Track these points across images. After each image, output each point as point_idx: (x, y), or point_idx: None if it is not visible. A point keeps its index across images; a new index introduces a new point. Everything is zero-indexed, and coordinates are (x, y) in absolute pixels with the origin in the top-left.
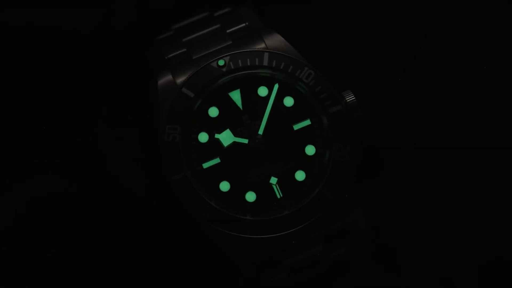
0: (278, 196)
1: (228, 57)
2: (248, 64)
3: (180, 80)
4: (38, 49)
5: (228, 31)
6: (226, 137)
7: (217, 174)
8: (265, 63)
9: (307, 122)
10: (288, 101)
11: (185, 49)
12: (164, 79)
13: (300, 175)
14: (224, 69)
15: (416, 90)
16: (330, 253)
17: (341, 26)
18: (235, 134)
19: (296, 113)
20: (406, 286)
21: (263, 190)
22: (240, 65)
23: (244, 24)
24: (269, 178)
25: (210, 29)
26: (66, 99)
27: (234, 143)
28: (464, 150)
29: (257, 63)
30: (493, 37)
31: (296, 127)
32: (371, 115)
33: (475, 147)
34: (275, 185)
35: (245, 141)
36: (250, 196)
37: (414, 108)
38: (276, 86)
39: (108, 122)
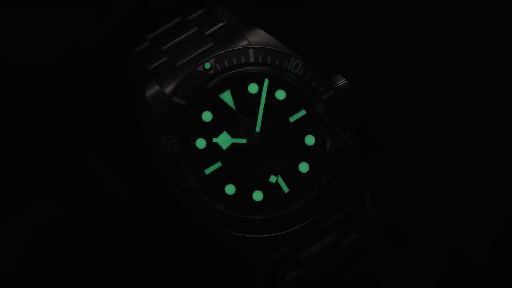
0: (285, 191)
1: (213, 59)
2: (235, 63)
3: (168, 89)
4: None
5: (207, 33)
6: (224, 140)
7: (221, 178)
8: (251, 59)
9: (302, 113)
10: (280, 94)
11: (166, 58)
12: (152, 91)
13: (303, 167)
14: (211, 72)
15: (416, 90)
16: (343, 240)
17: (335, 25)
18: (232, 135)
19: (290, 105)
20: (419, 260)
21: (269, 188)
22: (227, 65)
23: (221, 24)
24: (275, 174)
25: (188, 33)
26: (53, 114)
27: (233, 144)
28: (464, 150)
29: (243, 61)
30: (493, 37)
31: (292, 119)
32: (371, 115)
33: (475, 147)
34: (276, 181)
35: (244, 141)
36: (257, 196)
37: (414, 108)
38: (266, 81)
39: (97, 138)
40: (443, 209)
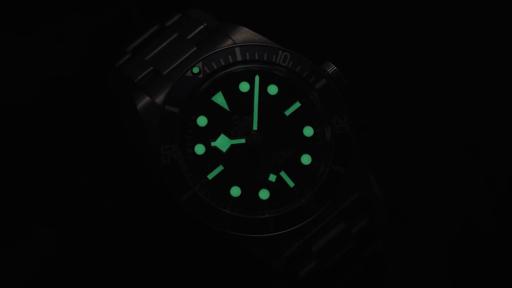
0: (291, 186)
1: (200, 63)
2: (223, 64)
3: (159, 99)
4: None
5: (188, 37)
6: (222, 143)
7: (225, 181)
8: (239, 58)
9: (297, 105)
10: (273, 89)
11: (152, 67)
12: (143, 102)
13: (306, 159)
14: (200, 76)
15: (415, 89)
16: (353, 227)
17: (321, 16)
18: (230, 136)
19: (283, 99)
20: (427, 238)
21: (275, 185)
22: (215, 67)
23: (202, 26)
24: (274, 173)
25: (170, 40)
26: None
27: (232, 146)
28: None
29: (231, 61)
30: (493, 37)
31: (288, 112)
32: (371, 116)
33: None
34: (276, 179)
35: (242, 141)
36: (264, 194)
37: (413, 107)
38: (257, 78)
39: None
40: (444, 186)
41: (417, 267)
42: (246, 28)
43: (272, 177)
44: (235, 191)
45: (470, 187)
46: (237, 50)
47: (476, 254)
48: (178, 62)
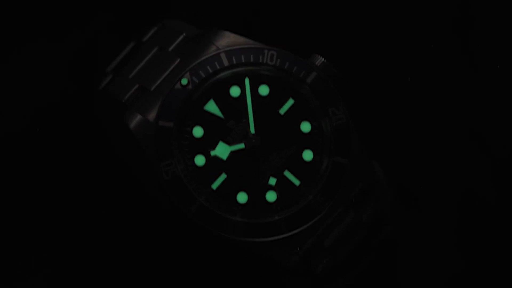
0: (296, 184)
1: (188, 73)
2: (210, 71)
3: (151, 115)
4: None
5: (170, 49)
6: (222, 151)
7: (230, 188)
8: (226, 63)
9: (290, 102)
10: (264, 90)
11: (137, 85)
12: (135, 121)
13: (307, 155)
14: (189, 87)
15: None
16: (362, 215)
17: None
18: (229, 143)
19: (276, 98)
20: (434, 216)
21: (280, 185)
22: (203, 75)
23: (182, 36)
24: (274, 176)
25: (151, 54)
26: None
27: (232, 152)
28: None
29: (218, 67)
30: (491, 36)
31: (282, 110)
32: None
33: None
34: (276, 182)
35: (241, 146)
36: (271, 196)
37: (407, 91)
38: (246, 81)
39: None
40: (446, 164)
41: (428, 248)
42: (227, 32)
43: (272, 181)
44: (242, 197)
45: (472, 162)
46: (223, 55)
47: (484, 229)
48: (164, 76)
